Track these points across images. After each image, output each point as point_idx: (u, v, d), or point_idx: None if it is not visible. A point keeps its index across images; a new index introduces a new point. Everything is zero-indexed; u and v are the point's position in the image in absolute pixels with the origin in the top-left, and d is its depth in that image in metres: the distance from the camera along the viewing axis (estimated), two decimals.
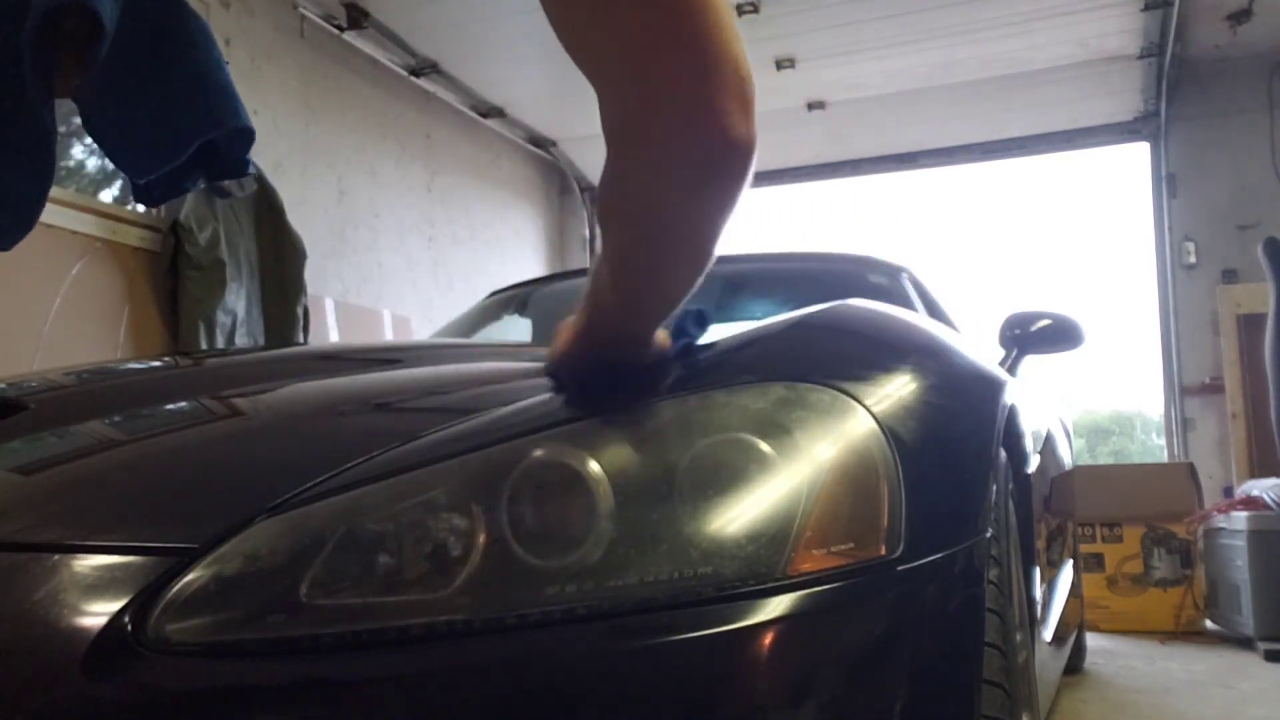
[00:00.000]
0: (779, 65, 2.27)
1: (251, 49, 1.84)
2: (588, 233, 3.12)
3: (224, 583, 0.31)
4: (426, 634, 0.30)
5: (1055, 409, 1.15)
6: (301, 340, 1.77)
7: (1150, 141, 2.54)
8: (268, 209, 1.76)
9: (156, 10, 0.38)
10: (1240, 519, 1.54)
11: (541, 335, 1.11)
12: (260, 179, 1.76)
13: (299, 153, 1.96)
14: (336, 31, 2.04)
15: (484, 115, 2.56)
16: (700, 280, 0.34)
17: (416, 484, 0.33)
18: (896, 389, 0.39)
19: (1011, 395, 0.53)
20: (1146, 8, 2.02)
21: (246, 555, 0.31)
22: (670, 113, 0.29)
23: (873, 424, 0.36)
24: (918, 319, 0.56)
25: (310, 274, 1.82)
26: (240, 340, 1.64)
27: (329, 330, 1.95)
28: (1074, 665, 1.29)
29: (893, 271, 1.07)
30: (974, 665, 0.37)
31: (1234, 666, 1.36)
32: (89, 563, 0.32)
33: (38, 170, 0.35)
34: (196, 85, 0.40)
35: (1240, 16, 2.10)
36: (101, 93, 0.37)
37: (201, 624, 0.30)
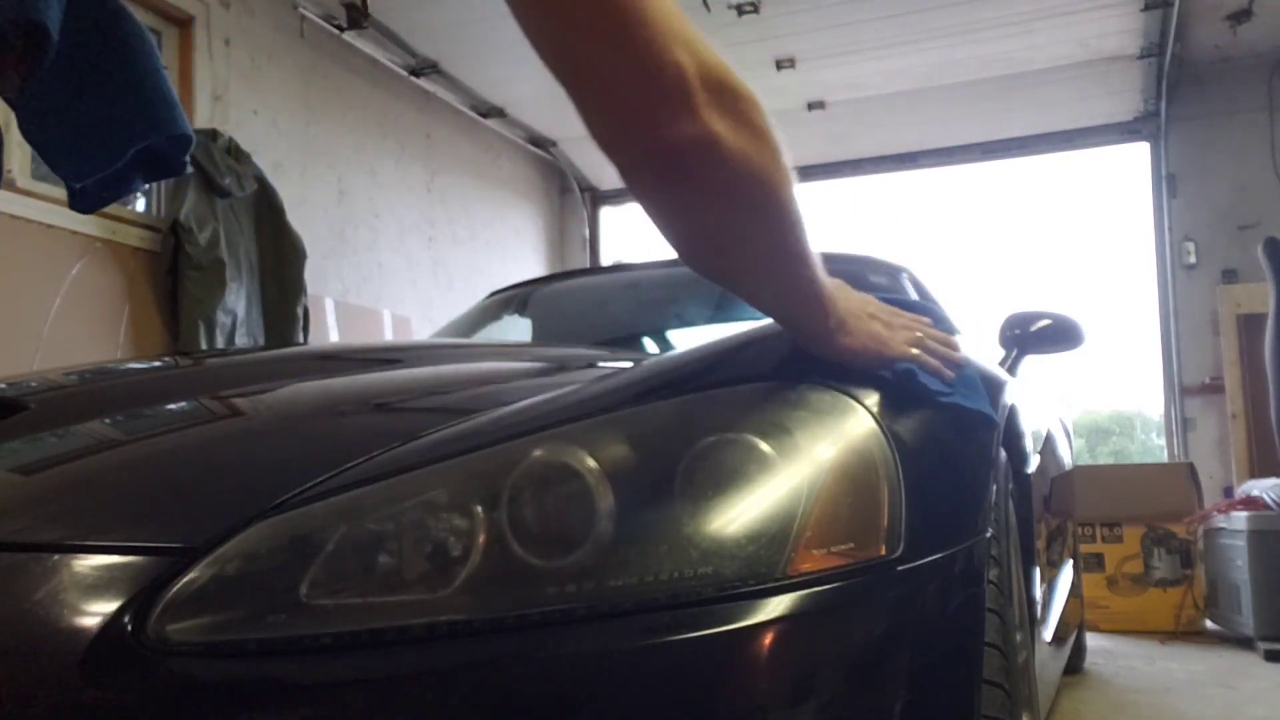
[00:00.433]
0: (779, 65, 2.27)
1: (251, 49, 1.84)
2: (588, 233, 3.12)
3: (224, 583, 0.31)
4: (426, 634, 0.30)
5: (1055, 409, 1.15)
6: (301, 340, 1.76)
7: (1150, 141, 2.54)
8: (268, 209, 1.76)
9: (98, 18, 0.38)
10: (1240, 519, 1.54)
11: (541, 335, 1.11)
12: (260, 179, 1.75)
13: (299, 153, 1.96)
14: (336, 31, 2.04)
15: (484, 115, 2.56)
16: (800, 223, 0.34)
17: (416, 484, 0.33)
18: (896, 389, 0.39)
19: (1011, 395, 0.54)
20: (1146, 8, 2.02)
21: (246, 555, 0.32)
22: (605, 119, 0.29)
23: (873, 424, 0.36)
24: None
25: (310, 274, 1.82)
26: (240, 340, 1.63)
27: (329, 330, 1.95)
28: (1074, 665, 1.29)
29: (893, 271, 1.07)
30: (974, 665, 0.37)
31: (1234, 666, 1.36)
32: (89, 563, 0.32)
33: None
34: (136, 92, 0.39)
35: (1240, 16, 2.10)
36: (39, 98, 0.36)
37: (201, 624, 0.30)
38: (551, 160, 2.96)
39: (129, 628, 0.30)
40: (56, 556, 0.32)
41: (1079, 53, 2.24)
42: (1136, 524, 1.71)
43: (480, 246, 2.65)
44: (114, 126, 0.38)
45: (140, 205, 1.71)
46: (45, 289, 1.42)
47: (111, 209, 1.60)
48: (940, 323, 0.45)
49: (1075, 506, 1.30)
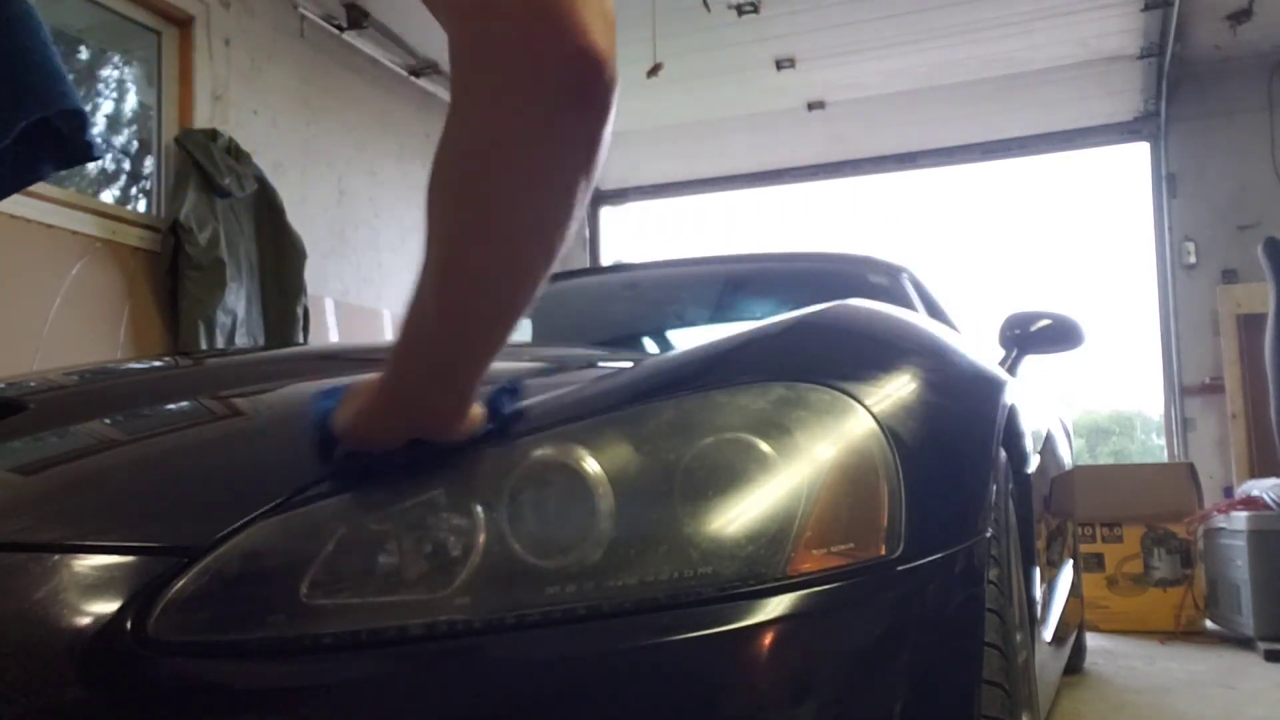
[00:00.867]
0: (779, 65, 2.26)
1: (252, 49, 1.84)
2: (587, 233, 3.12)
3: (224, 583, 0.31)
4: (426, 634, 0.30)
5: (1055, 409, 1.15)
6: (301, 340, 1.76)
7: (1150, 141, 2.54)
8: (268, 209, 1.76)
9: None
10: (1240, 519, 1.54)
11: (541, 335, 1.11)
12: (260, 179, 1.75)
13: (299, 152, 1.96)
14: (336, 31, 2.04)
15: None
16: (525, 311, 0.29)
17: (416, 484, 0.33)
18: (896, 389, 0.39)
19: (1011, 395, 0.53)
20: (1146, 8, 2.02)
21: (246, 555, 0.32)
22: (519, 22, 0.24)
23: (873, 424, 0.36)
24: (918, 319, 0.56)
25: (310, 274, 1.82)
26: (240, 340, 1.63)
27: (329, 330, 1.95)
28: (1074, 665, 1.29)
29: (893, 271, 1.07)
30: (974, 665, 0.37)
31: (1234, 666, 1.36)
32: (89, 563, 0.32)
33: None
34: (20, 66, 0.38)
35: (1240, 16, 2.10)
36: None
37: (201, 624, 0.30)
38: None
39: (129, 628, 0.30)
40: (56, 556, 0.32)
41: (1079, 53, 2.25)
42: (1136, 524, 1.70)
43: None
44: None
45: (141, 205, 1.71)
46: (45, 289, 1.42)
47: (112, 209, 1.60)
48: (940, 319, 0.44)
49: (1075, 506, 1.30)
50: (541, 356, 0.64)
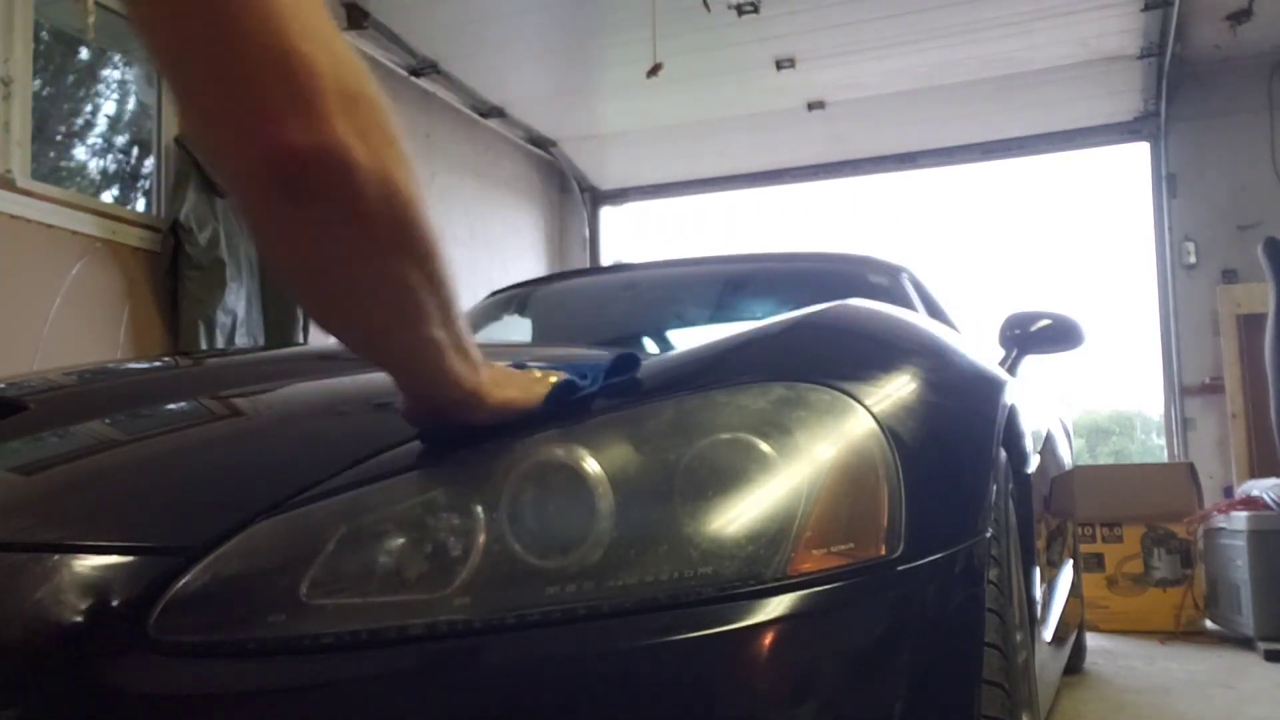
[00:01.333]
0: (779, 65, 2.26)
1: None
2: (587, 232, 3.12)
3: (224, 583, 0.31)
4: (426, 634, 0.30)
5: (1055, 409, 1.15)
6: (301, 340, 1.76)
7: (1150, 141, 2.54)
8: None
9: None
10: (1240, 519, 1.54)
11: (541, 335, 1.11)
12: None
13: None
14: None
15: (484, 115, 2.56)
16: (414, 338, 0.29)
17: (416, 484, 0.33)
18: (896, 389, 0.39)
19: (1011, 395, 0.53)
20: (1146, 8, 2.02)
21: (246, 555, 0.32)
22: (217, 117, 0.24)
23: (873, 424, 0.36)
24: (918, 319, 0.56)
25: None
26: (240, 340, 1.63)
27: None
28: (1074, 665, 1.29)
29: (893, 271, 1.07)
30: (974, 665, 0.37)
31: (1234, 666, 1.36)
32: (89, 563, 0.32)
33: None
34: None
35: (1240, 16, 2.10)
36: None
37: (201, 624, 0.30)
38: (551, 160, 2.96)
39: (129, 627, 0.30)
40: (56, 556, 0.32)
41: (1079, 53, 2.24)
42: (1136, 524, 1.70)
43: (480, 246, 2.65)
44: None
45: (140, 205, 1.71)
46: (45, 289, 1.42)
47: (112, 209, 1.61)
48: (940, 319, 0.44)
49: (1075, 506, 1.30)
50: (542, 356, 0.64)
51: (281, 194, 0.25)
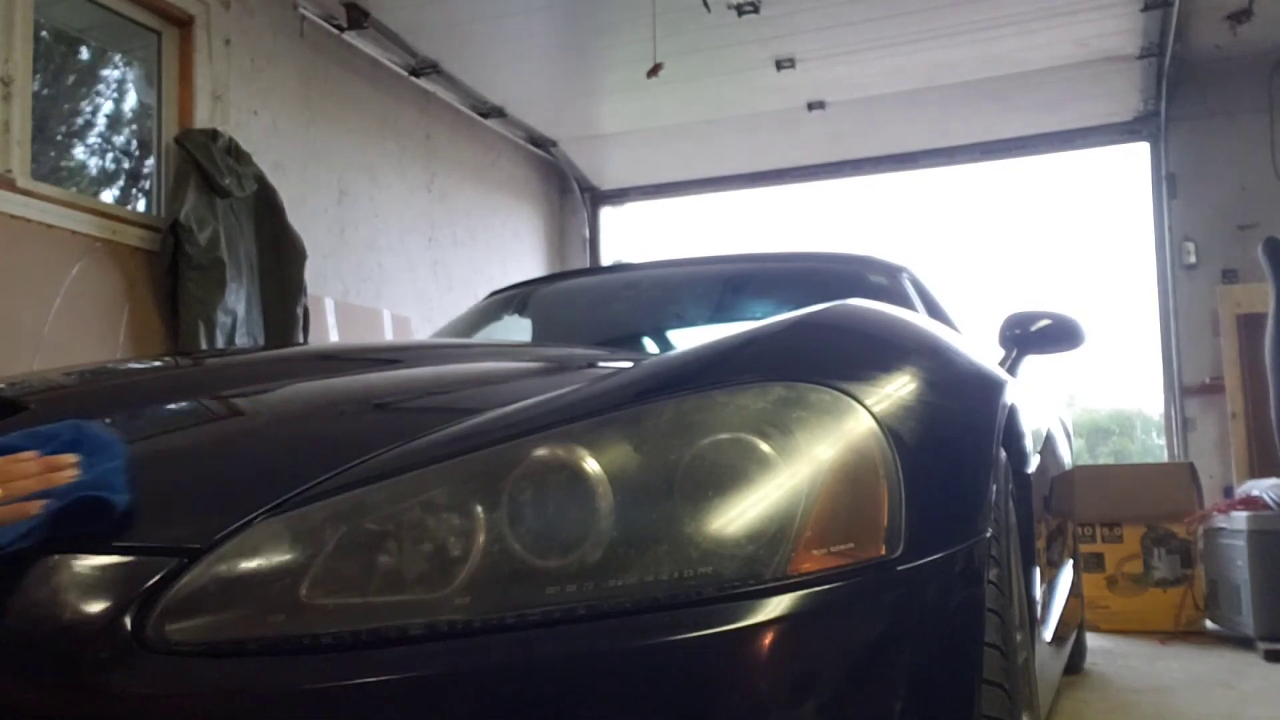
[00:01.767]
0: (779, 65, 2.26)
1: (252, 50, 1.84)
2: (587, 233, 3.12)
3: (224, 583, 0.31)
4: (426, 634, 0.30)
5: (1055, 409, 1.15)
6: (301, 340, 1.76)
7: (1150, 141, 2.54)
8: (268, 209, 1.75)
9: None
10: (1240, 519, 1.53)
11: (541, 335, 1.11)
12: (260, 179, 1.75)
13: (299, 153, 1.96)
14: (336, 32, 2.04)
15: (484, 115, 2.56)
16: None
17: (416, 484, 0.33)
18: (896, 389, 0.39)
19: (1011, 395, 0.53)
20: (1146, 8, 2.02)
21: (247, 555, 0.32)
22: None
23: (873, 424, 0.36)
24: (918, 319, 0.56)
25: (310, 274, 1.82)
26: (240, 340, 1.63)
27: (329, 330, 1.95)
28: (1074, 665, 1.29)
29: (893, 271, 1.07)
30: (974, 665, 0.37)
31: (1234, 666, 1.36)
32: (89, 563, 0.32)
33: None
34: None
35: (1240, 16, 2.10)
36: None
37: (202, 623, 0.30)
38: (551, 160, 2.96)
39: (130, 627, 0.30)
40: (57, 556, 0.32)
41: (1079, 53, 2.24)
42: (1136, 524, 1.70)
43: (480, 246, 2.64)
44: None
45: (141, 205, 1.71)
46: (45, 289, 1.42)
47: (112, 209, 1.61)
48: (940, 319, 0.44)
49: (1075, 506, 1.31)
50: (541, 356, 0.64)
51: None
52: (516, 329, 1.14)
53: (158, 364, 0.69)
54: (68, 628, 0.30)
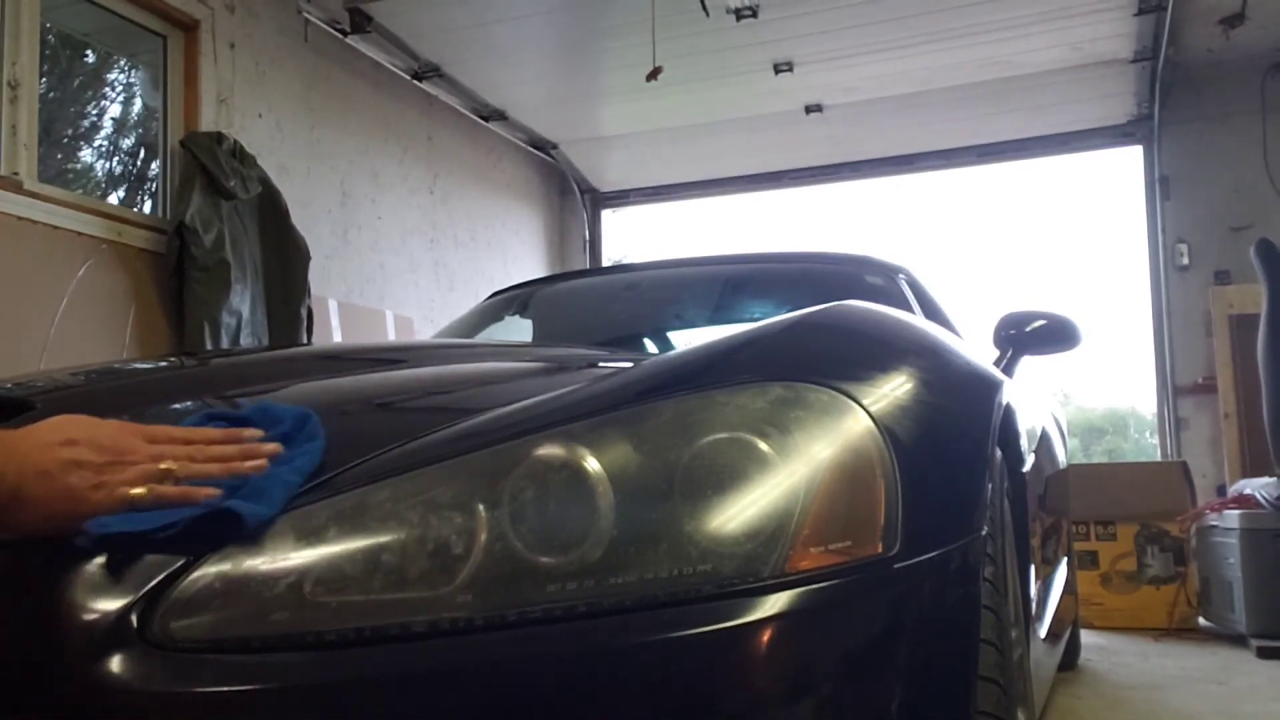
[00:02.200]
0: (777, 69, 2.27)
1: (256, 53, 1.85)
2: (588, 234, 3.12)
3: (228, 580, 0.31)
4: (429, 631, 0.30)
5: (1050, 408, 1.16)
6: (305, 341, 1.76)
7: (1144, 144, 2.54)
8: (272, 211, 1.76)
9: None
10: (1233, 517, 1.54)
11: (542, 336, 1.11)
12: (265, 181, 1.75)
13: (303, 155, 1.96)
14: (340, 35, 2.04)
15: (485, 118, 2.56)
16: None
17: (419, 482, 0.34)
18: (893, 389, 0.40)
19: (1007, 395, 0.54)
20: (1140, 12, 2.02)
21: (251, 553, 0.32)
22: None
23: (870, 423, 0.36)
24: (915, 320, 0.57)
25: (314, 275, 1.82)
26: (245, 340, 1.63)
27: (332, 331, 1.95)
28: (1069, 662, 1.30)
29: (890, 272, 1.07)
30: (970, 662, 0.37)
31: (1227, 663, 1.36)
32: (95, 561, 0.32)
33: None
34: None
35: (1233, 20, 2.11)
36: None
37: (206, 621, 0.31)
38: (552, 162, 2.96)
39: (135, 624, 0.30)
40: (63, 552, 0.32)
41: (1073, 56, 2.25)
42: (1130, 522, 1.71)
43: (481, 248, 2.65)
44: None
45: (146, 207, 1.71)
46: (52, 290, 1.42)
47: (118, 211, 1.60)
48: (937, 319, 0.44)
49: (1070, 505, 1.31)
50: (542, 356, 0.65)
51: None
52: (517, 329, 1.14)
53: (163, 364, 0.69)
54: (74, 625, 0.30)
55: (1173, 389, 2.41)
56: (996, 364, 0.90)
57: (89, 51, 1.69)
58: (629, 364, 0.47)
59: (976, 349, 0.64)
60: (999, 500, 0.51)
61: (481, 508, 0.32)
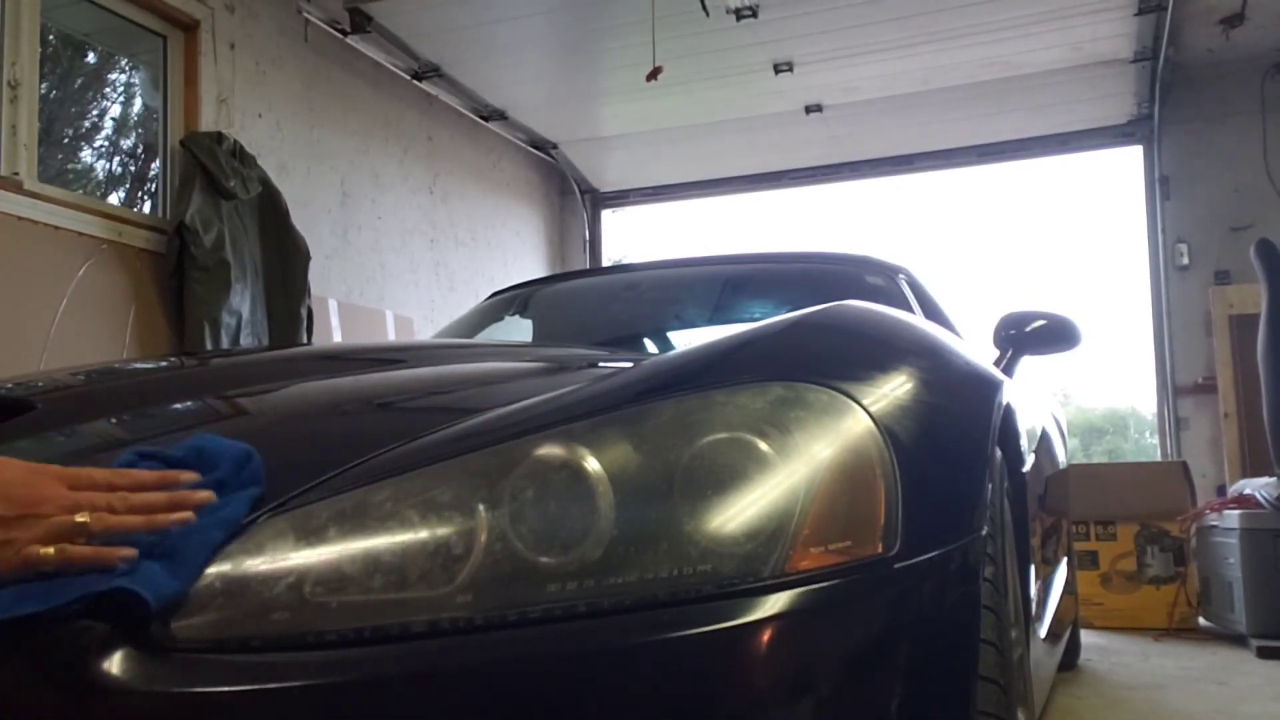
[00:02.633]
0: (777, 69, 2.27)
1: (256, 53, 1.85)
2: (588, 234, 3.13)
3: (229, 580, 0.31)
4: (429, 631, 0.30)
5: (1050, 408, 1.15)
6: (305, 341, 1.76)
7: (1144, 144, 2.54)
8: (272, 211, 1.76)
9: None
10: (1233, 517, 1.54)
11: (542, 336, 1.11)
12: (265, 181, 1.75)
13: (303, 155, 1.96)
14: (340, 35, 2.04)
15: (485, 118, 2.56)
16: None
17: (419, 482, 0.34)
18: (893, 389, 0.40)
19: (1007, 395, 0.54)
20: (1140, 12, 2.02)
21: (251, 553, 0.32)
22: None
23: (870, 423, 0.36)
24: (915, 320, 0.56)
25: (314, 275, 1.82)
26: (245, 341, 1.63)
27: (332, 331, 1.95)
28: (1069, 662, 1.30)
29: (890, 272, 1.07)
30: (970, 662, 0.37)
31: (1227, 663, 1.36)
32: None
33: None
34: None
35: (1233, 20, 2.11)
36: None
37: (207, 621, 0.31)
38: (552, 162, 2.96)
39: (133, 625, 0.30)
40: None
41: (1073, 57, 2.25)
42: (1130, 522, 1.71)
43: (481, 248, 2.65)
44: None
45: (147, 207, 1.71)
46: (52, 290, 1.42)
47: (118, 211, 1.60)
48: (938, 319, 0.44)
49: (1070, 505, 1.31)
50: (542, 356, 0.65)
51: None
52: (517, 329, 1.14)
53: (163, 364, 0.69)
54: (74, 625, 0.30)
55: (1173, 389, 2.42)
56: (996, 364, 0.90)
57: (89, 51, 1.70)
58: (629, 364, 0.47)
59: (976, 349, 0.64)
60: (999, 500, 0.51)
61: (481, 508, 0.32)
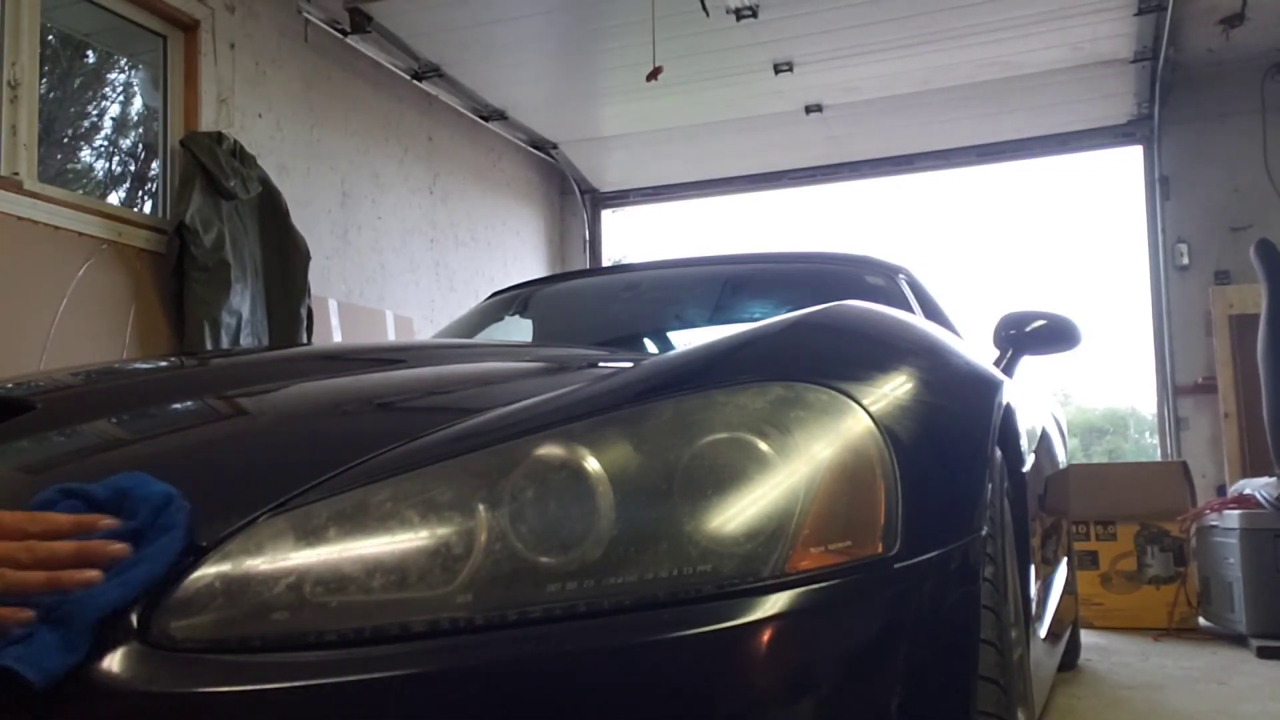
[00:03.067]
0: (777, 69, 2.27)
1: (256, 53, 1.85)
2: (588, 234, 3.13)
3: (229, 580, 0.31)
4: (429, 631, 0.30)
5: (1050, 408, 1.15)
6: (305, 341, 1.77)
7: (1144, 144, 2.55)
8: (272, 211, 1.76)
9: None
10: (1233, 517, 1.54)
11: (542, 336, 1.11)
12: (265, 181, 1.75)
13: (303, 155, 1.96)
14: (340, 35, 2.04)
15: (485, 118, 2.56)
16: None
17: (419, 482, 0.34)
18: (893, 389, 0.40)
19: (1007, 395, 0.54)
20: (1140, 12, 2.03)
21: (251, 553, 0.32)
22: None
23: (870, 423, 0.36)
24: (915, 320, 0.57)
25: (314, 275, 1.82)
26: (245, 340, 1.64)
27: (332, 330, 1.95)
28: (1069, 662, 1.30)
29: (890, 272, 1.07)
30: (970, 662, 0.37)
31: (1227, 663, 1.37)
32: None
33: None
34: None
35: (1233, 20, 2.11)
36: None
37: (207, 621, 0.31)
38: (552, 162, 2.96)
39: (135, 624, 0.30)
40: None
41: (1073, 56, 2.25)
42: (1130, 522, 1.71)
43: (481, 248, 2.65)
44: None
45: (147, 207, 1.71)
46: (52, 290, 1.42)
47: (118, 211, 1.60)
48: (938, 319, 0.43)
49: (1070, 505, 1.31)
50: (542, 356, 0.65)
51: None
52: (517, 329, 1.14)
53: (163, 364, 0.69)
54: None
55: (1173, 389, 2.42)
56: (996, 364, 0.90)
57: (89, 51, 1.70)
58: (629, 364, 0.47)
59: (976, 349, 0.64)
60: (999, 500, 0.51)
61: (481, 508, 0.32)
